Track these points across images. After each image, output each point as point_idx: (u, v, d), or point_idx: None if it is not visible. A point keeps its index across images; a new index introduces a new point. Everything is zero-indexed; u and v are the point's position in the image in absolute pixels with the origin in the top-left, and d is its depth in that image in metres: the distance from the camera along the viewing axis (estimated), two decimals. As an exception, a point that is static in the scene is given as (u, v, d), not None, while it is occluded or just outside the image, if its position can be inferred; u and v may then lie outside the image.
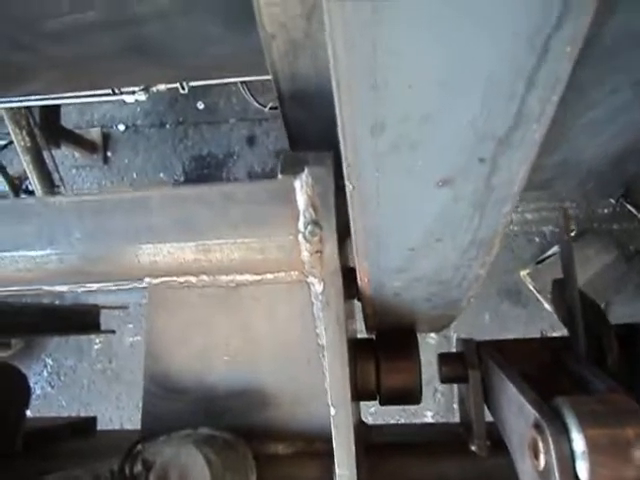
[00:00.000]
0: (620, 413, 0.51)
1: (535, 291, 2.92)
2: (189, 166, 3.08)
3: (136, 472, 0.62)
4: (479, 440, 0.72)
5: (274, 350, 0.70)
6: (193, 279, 0.69)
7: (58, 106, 2.58)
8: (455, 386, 0.85)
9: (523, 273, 2.99)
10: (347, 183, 0.44)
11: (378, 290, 0.63)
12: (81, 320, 1.41)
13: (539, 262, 2.97)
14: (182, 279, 0.69)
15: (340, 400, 0.60)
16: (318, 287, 0.61)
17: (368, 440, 0.79)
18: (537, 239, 3.08)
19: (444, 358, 0.79)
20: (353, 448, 0.60)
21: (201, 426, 0.67)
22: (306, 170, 0.58)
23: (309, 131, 0.72)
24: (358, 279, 0.61)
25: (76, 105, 3.13)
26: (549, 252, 2.99)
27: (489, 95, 0.34)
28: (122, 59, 0.90)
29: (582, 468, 0.50)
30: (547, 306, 2.84)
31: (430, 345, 2.79)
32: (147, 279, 0.70)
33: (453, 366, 0.76)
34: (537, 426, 0.53)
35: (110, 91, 2.17)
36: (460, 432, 0.79)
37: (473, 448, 0.73)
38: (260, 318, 0.71)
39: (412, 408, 2.57)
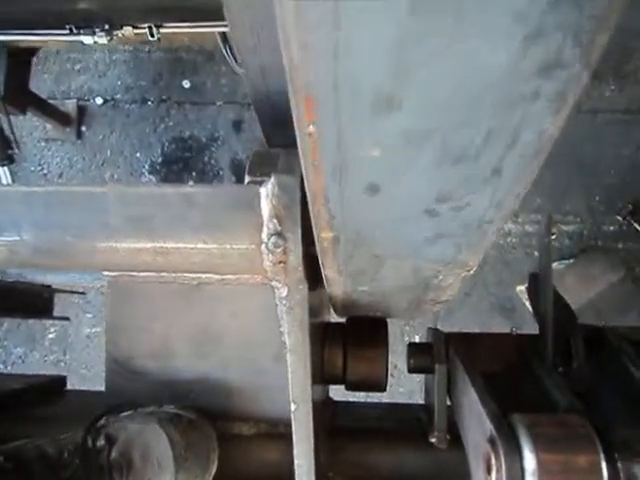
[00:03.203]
0: (575, 438, 0.58)
1: (531, 308, 2.98)
2: (169, 147, 3.11)
3: (99, 446, 0.68)
4: (439, 433, 0.79)
5: (238, 343, 0.77)
6: (153, 274, 0.74)
7: (26, 67, 2.58)
8: None
9: (519, 288, 3.05)
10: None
11: (347, 294, 0.69)
12: (29, 302, 1.34)
13: (536, 278, 3.04)
14: (142, 274, 0.74)
15: (301, 398, 0.67)
16: (282, 292, 0.66)
17: (332, 421, 0.86)
18: (536, 253, 3.13)
19: (413, 348, 0.86)
20: (312, 441, 0.67)
21: (165, 404, 0.73)
22: (273, 178, 0.62)
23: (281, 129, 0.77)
24: (325, 286, 0.66)
25: (52, 73, 3.15)
26: None
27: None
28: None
29: (532, 491, 0.56)
30: (541, 325, 2.92)
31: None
32: (105, 272, 0.75)
33: (421, 357, 0.83)
34: (492, 442, 0.59)
35: (67, 30, 2.15)
36: (422, 418, 0.86)
37: (432, 440, 0.80)
38: (224, 312, 0.77)
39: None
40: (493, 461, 0.59)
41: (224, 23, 2.27)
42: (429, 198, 0.44)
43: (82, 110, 3.13)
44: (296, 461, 0.69)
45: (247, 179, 0.65)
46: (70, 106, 3.11)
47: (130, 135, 3.13)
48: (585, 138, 2.94)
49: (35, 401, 0.93)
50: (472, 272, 0.62)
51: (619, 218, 3.04)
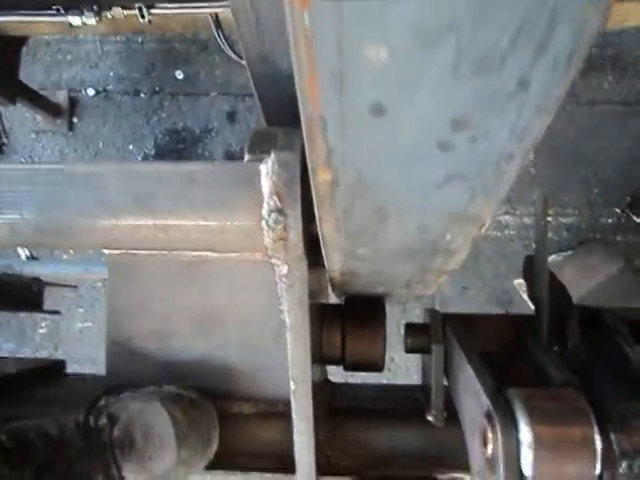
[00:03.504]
0: (569, 411, 0.60)
1: (529, 301, 3.01)
2: (162, 139, 3.13)
3: (101, 425, 0.70)
4: (436, 411, 0.82)
5: (237, 322, 0.79)
6: (154, 252, 0.76)
7: (16, 56, 2.58)
8: None
9: (517, 281, 3.07)
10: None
11: (346, 261, 0.69)
12: (18, 295, 1.33)
13: (534, 270, 3.07)
14: (142, 252, 0.77)
15: (300, 377, 0.70)
16: (282, 269, 0.68)
17: (332, 399, 0.88)
18: (534, 246, 3.14)
19: (410, 329, 0.88)
20: (312, 420, 0.70)
21: (166, 384, 0.75)
22: (272, 155, 0.64)
23: (282, 110, 0.78)
24: (323, 251, 0.67)
25: (43, 64, 3.15)
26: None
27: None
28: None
29: (527, 462, 0.58)
30: (538, 318, 2.95)
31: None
32: (105, 250, 0.77)
33: (419, 337, 0.86)
34: (489, 416, 0.62)
35: (54, 10, 2.14)
36: (419, 397, 0.89)
37: (429, 418, 0.83)
38: (223, 292, 0.79)
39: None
40: (489, 434, 0.61)
41: (218, 4, 2.28)
42: (443, 123, 0.40)
43: (74, 101, 3.14)
44: (296, 439, 0.72)
45: (247, 157, 0.67)
46: (61, 97, 3.12)
47: (122, 127, 3.14)
48: (583, 130, 2.97)
49: (35, 383, 0.96)
50: (483, 231, 0.58)
51: (617, 211, 3.07)
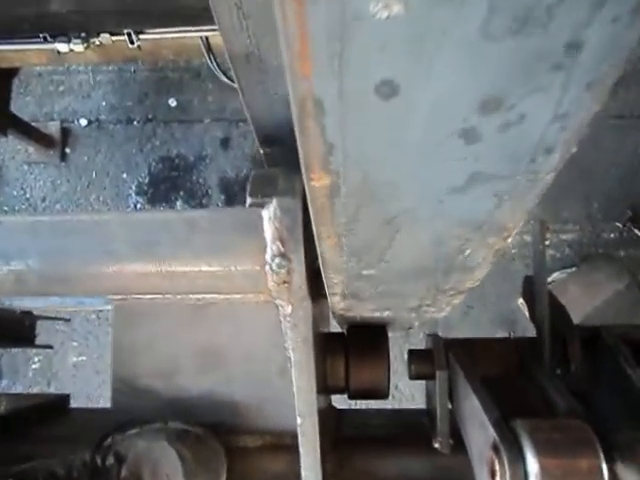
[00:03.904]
0: (576, 442, 0.63)
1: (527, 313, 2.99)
2: (155, 167, 3.17)
3: (108, 464, 0.72)
4: (442, 438, 0.84)
5: (242, 359, 0.82)
6: (158, 297, 0.79)
7: (7, 89, 2.63)
8: None
9: (520, 301, 3.08)
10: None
11: (349, 285, 0.67)
12: (8, 329, 1.30)
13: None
14: (147, 297, 0.80)
15: (306, 411, 0.72)
16: (286, 309, 0.71)
17: (337, 430, 0.90)
18: (533, 268, 3.15)
19: (413, 355, 0.91)
20: (319, 453, 0.72)
21: (171, 421, 0.77)
22: (274, 201, 0.67)
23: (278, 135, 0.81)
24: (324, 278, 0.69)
25: (34, 95, 3.21)
26: (549, 278, 3.09)
27: None
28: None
29: (535, 495, 0.60)
30: (544, 337, 2.96)
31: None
32: (110, 296, 0.80)
33: (422, 364, 0.89)
34: (495, 448, 0.64)
35: (41, 38, 2.17)
36: (425, 423, 0.91)
37: (436, 445, 0.85)
38: (228, 329, 0.82)
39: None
40: (497, 467, 0.63)
41: (208, 27, 2.29)
42: (469, 105, 0.32)
43: (66, 132, 3.20)
44: (303, 473, 0.74)
45: (248, 201, 0.70)
46: (53, 128, 3.17)
47: (116, 156, 3.18)
48: (581, 144, 3.01)
49: (40, 420, 0.97)
50: (509, 242, 0.51)
51: (619, 225, 3.08)
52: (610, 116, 3.04)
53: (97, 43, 2.32)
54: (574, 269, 3.02)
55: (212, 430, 0.80)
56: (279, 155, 0.82)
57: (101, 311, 3.09)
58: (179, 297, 0.79)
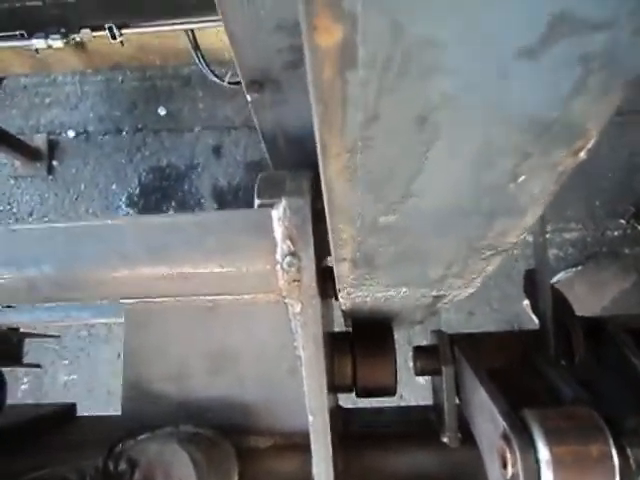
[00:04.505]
0: (585, 429, 0.66)
1: (535, 318, 3.01)
2: (146, 178, 3.20)
3: (121, 470, 0.75)
4: (450, 433, 0.88)
5: (253, 361, 0.86)
6: (170, 300, 0.83)
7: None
8: None
9: (525, 302, 3.11)
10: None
11: (362, 248, 0.59)
12: None
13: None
14: (158, 300, 0.84)
15: (317, 408, 0.76)
16: (296, 308, 0.75)
17: (345, 429, 0.94)
18: (535, 261, 3.16)
19: (419, 351, 0.95)
20: (330, 450, 0.76)
21: (183, 424, 0.81)
22: (283, 201, 0.72)
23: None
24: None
25: (20, 108, 3.25)
26: (554, 279, 3.12)
27: None
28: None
29: (547, 482, 0.64)
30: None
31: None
32: (123, 301, 0.84)
33: (428, 360, 0.92)
34: (506, 438, 0.68)
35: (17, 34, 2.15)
36: (432, 418, 0.95)
37: (444, 440, 0.89)
38: (238, 330, 0.86)
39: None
40: (508, 456, 0.67)
41: (194, 19, 2.29)
42: None
43: (53, 144, 3.24)
44: (315, 470, 0.78)
45: (257, 202, 0.74)
46: (40, 141, 3.21)
47: (105, 167, 3.22)
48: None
49: (50, 428, 1.01)
50: (580, 158, 0.39)
51: (623, 222, 3.12)
52: (609, 112, 3.09)
53: (77, 39, 2.28)
54: (579, 268, 3.05)
55: (223, 432, 0.83)
56: (269, 100, 0.84)
57: (93, 326, 3.11)
58: (191, 299, 0.82)
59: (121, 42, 2.31)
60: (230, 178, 3.16)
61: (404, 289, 0.71)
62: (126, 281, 0.75)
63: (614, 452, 0.63)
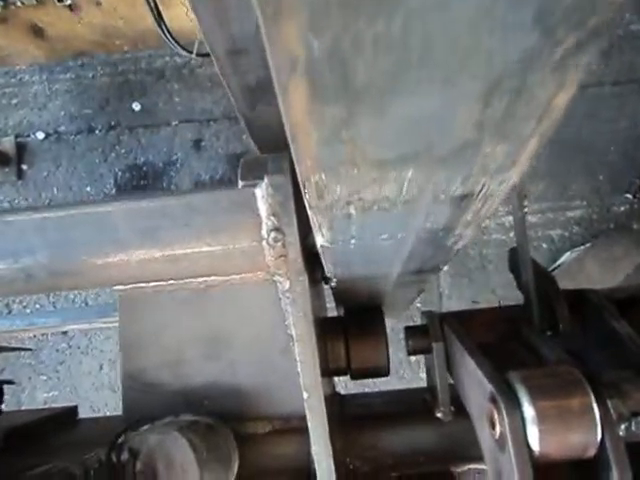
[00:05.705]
0: (566, 385, 0.75)
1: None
2: (122, 177, 3.26)
3: (123, 460, 0.84)
4: (444, 407, 0.98)
5: (247, 342, 0.95)
6: (163, 283, 0.92)
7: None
8: None
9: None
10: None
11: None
12: None
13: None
14: (152, 284, 0.92)
15: (312, 385, 0.84)
16: (285, 285, 0.84)
17: (342, 412, 1.04)
18: (544, 245, 3.20)
19: (410, 331, 1.04)
20: (327, 427, 0.85)
21: (182, 413, 0.90)
22: (266, 179, 0.80)
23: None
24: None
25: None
26: (560, 261, 3.17)
27: None
28: None
29: (533, 436, 0.73)
30: (558, 324, 3.04)
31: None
32: (117, 286, 0.93)
33: (419, 339, 1.02)
34: (493, 399, 0.77)
35: None
36: (426, 398, 1.04)
37: (438, 415, 0.98)
38: (231, 314, 0.95)
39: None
40: (496, 417, 0.76)
41: None
42: None
43: (21, 147, 3.30)
44: (313, 448, 0.86)
45: (241, 184, 0.82)
46: (7, 144, 3.27)
47: (78, 168, 3.28)
48: (579, 116, 3.13)
49: (52, 430, 1.10)
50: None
51: (629, 196, 3.20)
52: (606, 83, 3.17)
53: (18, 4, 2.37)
54: (589, 245, 3.08)
55: (222, 418, 0.92)
56: (247, 65, 0.90)
57: (72, 338, 3.16)
58: (183, 282, 0.91)
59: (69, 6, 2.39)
60: (212, 172, 3.23)
61: (410, 173, 0.47)
62: (119, 266, 0.83)
63: (594, 404, 0.71)
